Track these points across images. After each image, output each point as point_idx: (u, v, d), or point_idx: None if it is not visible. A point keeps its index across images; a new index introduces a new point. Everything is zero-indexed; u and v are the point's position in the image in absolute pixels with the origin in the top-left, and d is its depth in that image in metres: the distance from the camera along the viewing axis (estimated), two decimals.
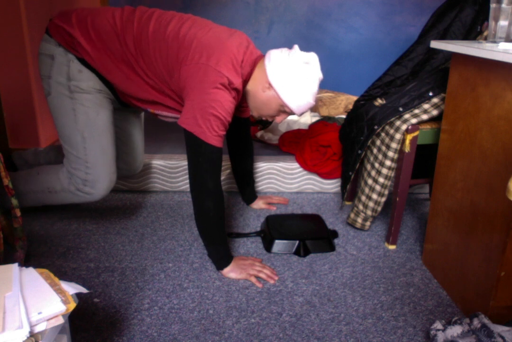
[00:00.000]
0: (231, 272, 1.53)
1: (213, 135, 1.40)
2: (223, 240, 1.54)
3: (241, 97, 1.60)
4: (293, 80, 1.45)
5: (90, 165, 1.61)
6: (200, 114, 1.37)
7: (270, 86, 1.48)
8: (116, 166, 1.92)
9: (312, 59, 1.47)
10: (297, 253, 1.68)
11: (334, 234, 1.81)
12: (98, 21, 1.48)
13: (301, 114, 1.57)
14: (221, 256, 1.54)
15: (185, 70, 1.40)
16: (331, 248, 1.71)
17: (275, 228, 1.77)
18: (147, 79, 1.50)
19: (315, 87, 1.49)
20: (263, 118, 1.64)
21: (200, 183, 1.44)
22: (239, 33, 1.52)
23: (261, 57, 1.53)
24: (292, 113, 1.56)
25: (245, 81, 1.52)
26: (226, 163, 2.13)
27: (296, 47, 1.49)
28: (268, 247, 1.70)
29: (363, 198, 1.77)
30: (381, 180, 1.69)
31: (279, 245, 1.69)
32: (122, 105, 1.73)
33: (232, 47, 1.43)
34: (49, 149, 2.06)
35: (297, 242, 1.68)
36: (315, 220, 1.87)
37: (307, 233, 1.75)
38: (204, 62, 1.38)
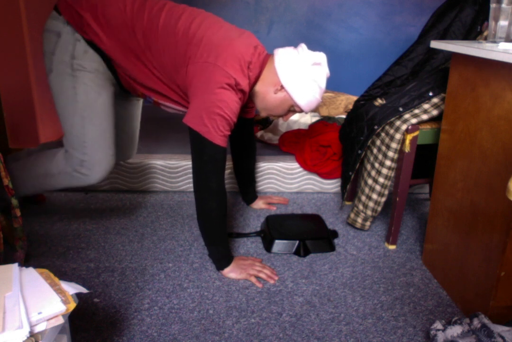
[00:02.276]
0: (231, 272, 1.53)
1: (219, 135, 1.40)
2: (224, 240, 1.54)
3: (247, 98, 1.60)
4: (305, 83, 1.47)
5: (88, 145, 1.59)
6: (206, 114, 1.37)
7: (282, 88, 1.49)
8: None
9: (322, 59, 1.49)
10: (297, 253, 1.68)
11: (334, 234, 1.81)
12: (109, 8, 1.45)
13: (308, 111, 1.61)
14: (222, 256, 1.54)
15: (192, 67, 1.40)
16: (331, 248, 1.71)
17: (275, 228, 1.77)
18: (153, 71, 1.50)
19: (324, 86, 1.52)
20: (270, 118, 1.67)
21: (204, 183, 1.44)
22: (248, 33, 1.51)
23: (269, 57, 1.52)
24: (301, 111, 1.59)
25: (253, 83, 1.52)
26: (227, 163, 2.12)
27: (303, 46, 1.50)
28: (268, 247, 1.70)
29: (363, 198, 1.77)
30: (381, 180, 1.69)
31: (279, 245, 1.69)
32: (124, 91, 1.70)
33: (241, 48, 1.42)
34: (42, 147, 2.05)
35: (297, 242, 1.68)
36: (315, 220, 1.86)
37: (307, 233, 1.75)
38: (212, 61, 1.37)
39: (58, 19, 1.50)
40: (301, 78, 1.46)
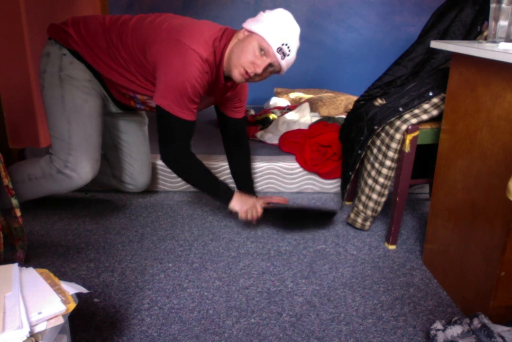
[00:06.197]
0: (235, 205, 1.72)
1: (182, 109, 1.50)
2: (215, 184, 1.70)
3: (230, 92, 1.66)
4: (265, 16, 1.52)
5: (72, 147, 1.65)
6: (169, 88, 1.47)
7: (245, 30, 1.52)
8: (122, 181, 2.00)
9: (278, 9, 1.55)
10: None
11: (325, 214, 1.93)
12: (90, 21, 1.65)
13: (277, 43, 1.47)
14: (222, 193, 1.73)
15: (155, 47, 1.49)
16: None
17: (279, 208, 1.89)
18: (127, 67, 1.59)
19: (285, 20, 1.50)
20: (252, 75, 1.50)
21: (168, 151, 1.61)
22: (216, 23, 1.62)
23: (236, 31, 1.58)
24: (268, 47, 1.46)
25: (223, 53, 1.53)
26: (225, 164, 2.12)
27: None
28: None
29: (363, 198, 1.77)
30: (381, 180, 1.69)
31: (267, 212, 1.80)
32: (120, 107, 1.80)
33: (203, 24, 1.53)
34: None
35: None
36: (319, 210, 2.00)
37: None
38: (173, 37, 1.47)
39: (48, 43, 1.68)
40: (260, 17, 1.52)
